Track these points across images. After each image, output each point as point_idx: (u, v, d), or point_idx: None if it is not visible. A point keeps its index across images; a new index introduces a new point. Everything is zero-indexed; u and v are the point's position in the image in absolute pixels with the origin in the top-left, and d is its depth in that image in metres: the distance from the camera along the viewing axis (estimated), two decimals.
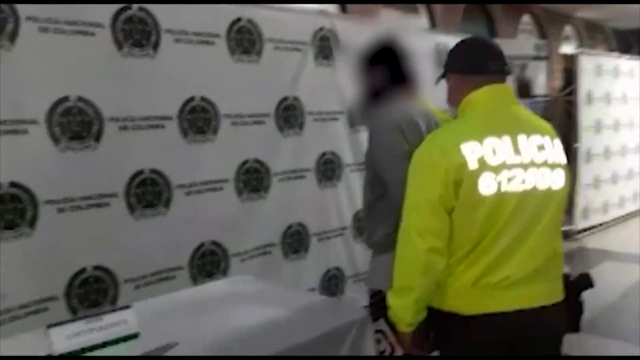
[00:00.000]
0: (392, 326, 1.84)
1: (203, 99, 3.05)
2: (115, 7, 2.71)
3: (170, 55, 2.90)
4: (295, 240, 3.56)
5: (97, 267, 2.71)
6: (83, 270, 2.67)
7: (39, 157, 2.51)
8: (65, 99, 2.55)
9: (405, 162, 1.72)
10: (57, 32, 2.53)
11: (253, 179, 3.32)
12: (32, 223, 2.50)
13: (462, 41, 1.85)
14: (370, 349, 1.89)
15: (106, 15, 2.68)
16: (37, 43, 2.47)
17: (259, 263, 3.34)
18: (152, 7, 2.83)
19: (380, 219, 2.05)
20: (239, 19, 3.18)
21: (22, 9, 2.43)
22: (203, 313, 1.98)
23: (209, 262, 3.14)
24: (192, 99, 3.01)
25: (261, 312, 1.98)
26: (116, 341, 1.69)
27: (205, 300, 2.14)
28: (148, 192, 2.85)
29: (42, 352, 1.61)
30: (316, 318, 1.90)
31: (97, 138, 2.67)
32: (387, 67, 2.17)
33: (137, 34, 2.79)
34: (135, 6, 2.77)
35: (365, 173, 2.20)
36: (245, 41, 3.22)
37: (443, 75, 1.86)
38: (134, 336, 1.73)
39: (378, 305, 1.97)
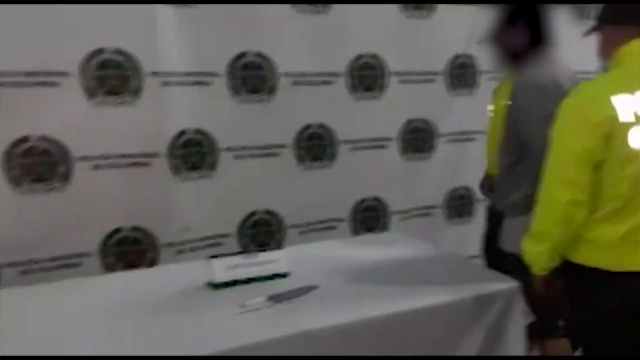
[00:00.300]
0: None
1: (373, 56, 3.10)
2: None
3: (342, 13, 2.97)
4: (460, 204, 3.51)
5: (267, 212, 2.95)
6: (254, 213, 2.92)
7: (219, 108, 2.76)
8: (243, 54, 2.78)
9: (549, 123, 1.67)
10: None
11: (418, 138, 3.31)
12: (212, 166, 2.79)
13: None
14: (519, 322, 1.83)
15: None
16: None
17: (419, 223, 3.36)
18: None
19: (519, 181, 2.00)
20: None
21: None
22: (350, 262, 2.07)
23: (369, 217, 3.23)
24: (361, 56, 3.07)
25: (407, 267, 2.02)
26: (267, 277, 1.86)
27: (355, 251, 2.23)
28: (315, 145, 3.01)
29: (205, 278, 1.82)
30: (462, 281, 1.88)
31: (271, 92, 2.86)
32: (526, 26, 2.11)
33: None
34: None
35: (504, 134, 2.12)
36: None
37: (596, 28, 1.77)
38: (283, 275, 1.89)
39: (510, 268, 1.92)
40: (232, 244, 2.87)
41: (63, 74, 2.39)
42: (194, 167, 2.74)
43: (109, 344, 1.46)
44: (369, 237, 2.91)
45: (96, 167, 2.49)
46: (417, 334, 1.68)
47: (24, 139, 2.36)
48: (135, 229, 2.62)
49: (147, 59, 2.54)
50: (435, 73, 3.30)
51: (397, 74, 3.19)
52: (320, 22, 2.92)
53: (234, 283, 1.81)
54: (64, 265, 2.48)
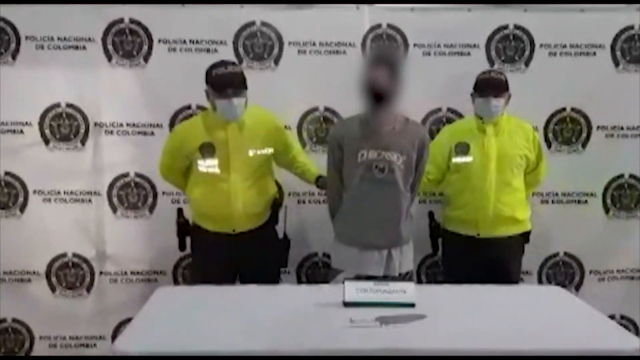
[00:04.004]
0: None
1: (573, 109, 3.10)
2: None
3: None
4: None
5: None
6: None
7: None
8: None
9: None
10: None
11: (625, 195, 3.12)
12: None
13: None
14: None
15: None
16: None
17: (621, 286, 3.13)
18: None
19: None
20: None
21: None
22: (480, 306, 2.16)
23: (560, 273, 3.16)
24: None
25: (540, 319, 2.03)
26: (393, 304, 2.10)
27: (494, 297, 2.29)
28: None
29: (338, 299, 2.14)
30: (586, 336, 1.84)
31: None
32: None
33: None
34: None
35: None
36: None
37: None
38: (409, 305, 2.10)
39: None
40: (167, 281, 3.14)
41: (28, 123, 3.00)
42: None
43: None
44: (528, 287, 2.85)
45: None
46: None
47: None
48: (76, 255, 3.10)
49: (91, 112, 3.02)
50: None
51: (604, 128, 3.10)
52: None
53: (363, 304, 2.09)
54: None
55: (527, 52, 3.05)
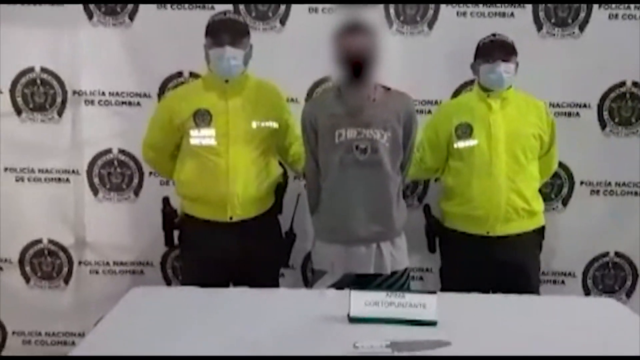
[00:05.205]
0: None
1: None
2: None
3: None
4: None
5: None
6: None
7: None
8: None
9: None
10: None
11: None
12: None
13: None
14: None
15: None
16: None
17: None
18: None
19: None
20: None
21: None
22: (518, 324, 1.73)
23: (610, 276, 2.71)
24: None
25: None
26: (410, 322, 1.68)
27: (540, 315, 1.85)
28: None
29: (342, 311, 1.73)
30: None
31: None
32: None
33: None
34: None
35: None
36: None
37: None
38: (430, 323, 1.69)
39: None
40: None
41: None
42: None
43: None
44: (572, 300, 2.34)
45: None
46: None
47: None
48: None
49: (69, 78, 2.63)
50: None
51: None
52: None
53: (372, 321, 1.68)
54: None
55: (582, 14, 2.57)
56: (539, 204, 2.35)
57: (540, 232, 2.39)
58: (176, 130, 2.25)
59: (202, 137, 2.20)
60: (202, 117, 2.19)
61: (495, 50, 2.26)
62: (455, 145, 2.31)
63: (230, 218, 2.23)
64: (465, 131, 2.30)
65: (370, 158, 2.07)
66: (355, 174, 2.09)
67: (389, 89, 2.13)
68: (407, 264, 2.23)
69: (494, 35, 2.32)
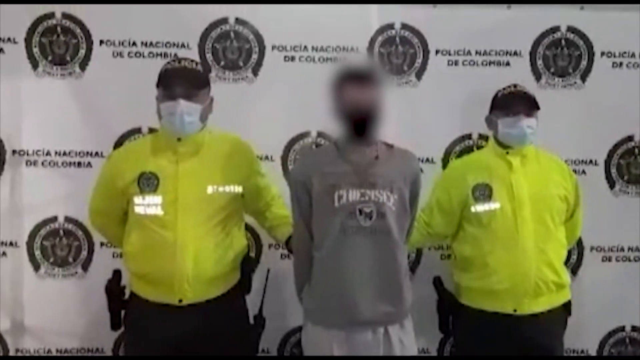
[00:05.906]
0: None
1: None
2: None
3: None
4: None
5: None
6: None
7: None
8: None
9: None
10: None
11: None
12: None
13: None
14: None
15: None
16: None
17: None
18: None
19: None
20: None
21: None
22: None
23: (627, 352, 2.41)
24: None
25: None
26: None
27: None
28: None
29: None
30: None
31: None
32: None
33: None
34: None
35: None
36: None
37: None
38: None
39: None
40: None
41: None
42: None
43: None
44: None
45: None
46: None
47: None
48: None
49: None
50: None
51: None
52: None
53: None
54: None
55: (584, 63, 2.37)
56: (567, 275, 2.07)
57: (567, 307, 2.09)
58: (120, 195, 1.91)
59: (146, 205, 1.86)
60: (147, 182, 1.87)
61: (516, 103, 2.00)
62: (472, 209, 2.03)
63: (180, 301, 1.87)
64: (484, 192, 2.02)
65: (377, 224, 1.77)
66: (358, 242, 1.77)
67: (391, 146, 1.86)
68: (416, 351, 1.89)
69: (514, 86, 2.07)
